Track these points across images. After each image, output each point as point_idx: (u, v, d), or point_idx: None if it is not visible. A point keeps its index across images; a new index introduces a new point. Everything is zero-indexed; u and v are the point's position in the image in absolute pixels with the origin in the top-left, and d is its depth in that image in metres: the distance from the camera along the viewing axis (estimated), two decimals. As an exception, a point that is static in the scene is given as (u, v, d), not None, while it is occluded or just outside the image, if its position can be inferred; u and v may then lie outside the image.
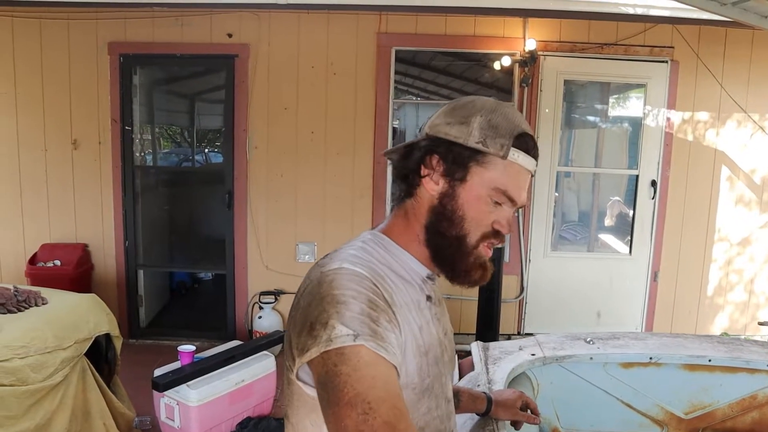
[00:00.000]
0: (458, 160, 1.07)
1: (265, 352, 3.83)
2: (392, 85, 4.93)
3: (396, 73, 4.94)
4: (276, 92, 4.84)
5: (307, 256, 5.04)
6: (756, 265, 5.22)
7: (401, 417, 0.87)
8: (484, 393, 1.53)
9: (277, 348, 4.20)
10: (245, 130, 4.86)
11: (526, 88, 4.94)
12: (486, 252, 1.11)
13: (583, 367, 2.02)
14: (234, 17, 4.68)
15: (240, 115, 4.85)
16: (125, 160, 4.89)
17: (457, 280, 1.12)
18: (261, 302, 4.96)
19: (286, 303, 5.00)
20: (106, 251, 5.01)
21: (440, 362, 1.13)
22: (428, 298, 1.13)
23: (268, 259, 5.03)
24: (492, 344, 2.02)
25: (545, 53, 4.91)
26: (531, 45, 4.79)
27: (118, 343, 3.45)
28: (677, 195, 5.07)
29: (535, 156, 1.11)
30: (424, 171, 1.09)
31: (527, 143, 1.08)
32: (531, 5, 4.29)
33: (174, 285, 6.26)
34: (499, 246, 1.12)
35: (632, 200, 5.18)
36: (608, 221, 5.77)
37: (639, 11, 4.25)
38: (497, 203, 1.08)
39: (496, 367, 1.81)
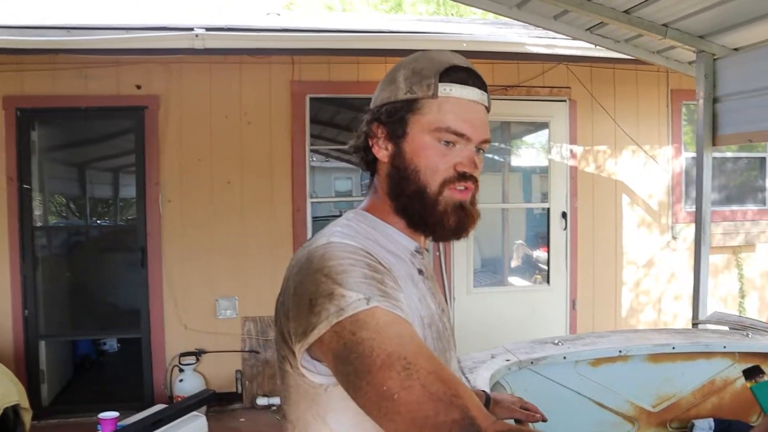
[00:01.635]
0: (394, 117, 1.05)
1: (195, 412, 3.55)
2: (308, 132, 4.93)
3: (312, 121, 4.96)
4: (189, 143, 4.70)
5: (228, 312, 4.81)
6: (661, 285, 5.54)
7: (441, 365, 0.85)
8: (483, 391, 1.48)
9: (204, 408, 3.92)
10: (157, 183, 4.65)
11: (438, 130, 5.09)
12: (458, 195, 1.04)
13: (555, 370, 2.03)
14: (142, 68, 4.54)
15: (151, 167, 4.65)
16: (23, 221, 4.51)
17: (437, 234, 1.08)
18: (181, 364, 4.64)
19: (208, 364, 4.72)
20: (2, 322, 4.54)
21: (443, 337, 1.09)
22: (420, 271, 1.09)
23: (187, 318, 4.75)
24: (462, 356, 1.99)
25: (454, 96, 5.10)
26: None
27: (27, 417, 3.10)
28: (586, 224, 5.35)
29: (477, 85, 1.05)
30: (371, 142, 1.08)
31: (459, 75, 1.03)
32: (443, 46, 4.48)
33: (78, 358, 5.74)
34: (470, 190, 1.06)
35: (546, 233, 5.39)
36: (514, 263, 5.94)
37: (541, 50, 4.54)
38: (448, 143, 1.03)
39: (475, 375, 1.77)
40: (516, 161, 5.88)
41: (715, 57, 3.70)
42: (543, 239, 5.56)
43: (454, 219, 1.04)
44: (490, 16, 6.99)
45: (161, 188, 4.66)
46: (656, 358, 2.18)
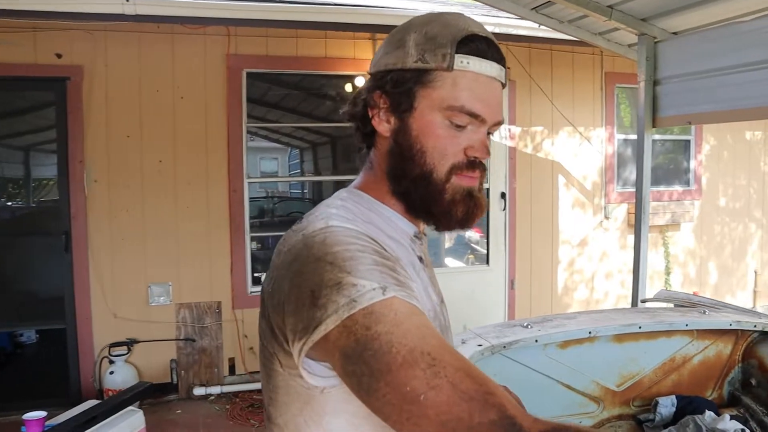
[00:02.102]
0: (400, 87, 0.91)
1: (131, 407, 3.33)
2: (245, 109, 4.71)
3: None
4: (116, 119, 4.37)
5: (162, 299, 4.55)
6: (594, 264, 5.71)
7: (467, 361, 0.75)
8: None
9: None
10: (81, 162, 4.31)
11: (379, 109, 5.00)
12: (466, 182, 0.93)
13: (525, 353, 2.00)
14: (63, 36, 4.16)
15: (75, 144, 4.29)
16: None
17: (442, 225, 0.96)
18: (111, 356, 4.36)
19: (140, 354, 4.46)
20: None
21: (445, 331, 1.01)
22: (420, 259, 0.99)
23: (117, 306, 4.46)
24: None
25: (395, 75, 5.01)
26: (382, 66, 4.86)
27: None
28: (524, 205, 5.42)
29: (496, 59, 0.92)
30: (371, 112, 0.95)
31: (478, 46, 0.90)
32: (386, 21, 4.36)
33: (-10, 353, 5.30)
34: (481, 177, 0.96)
35: (485, 214, 5.41)
36: (448, 243, 5.94)
37: (491, 29, 4.50)
38: (459, 126, 0.91)
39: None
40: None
41: (656, 40, 3.78)
42: (481, 219, 5.59)
43: (462, 209, 0.94)
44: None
45: (86, 167, 4.32)
46: (621, 338, 2.20)
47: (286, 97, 5.36)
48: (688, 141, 5.98)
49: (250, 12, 4.26)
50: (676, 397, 2.21)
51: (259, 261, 5.25)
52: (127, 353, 4.40)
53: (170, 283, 4.57)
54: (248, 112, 4.73)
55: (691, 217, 5.87)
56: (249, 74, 4.72)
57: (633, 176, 5.65)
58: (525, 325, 2.08)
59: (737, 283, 6.27)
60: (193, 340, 4.59)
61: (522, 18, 4.15)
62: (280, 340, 0.84)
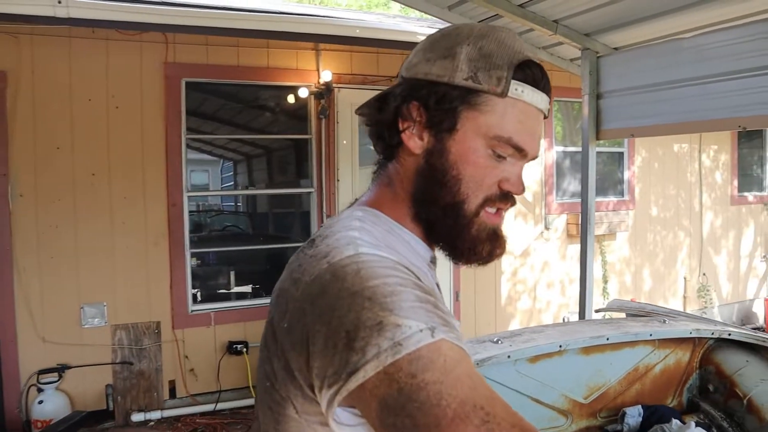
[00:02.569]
0: (444, 104, 0.83)
1: (67, 439, 3.10)
2: (184, 119, 4.52)
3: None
4: (45, 129, 4.09)
5: (96, 320, 4.28)
6: (536, 274, 5.81)
7: (518, 414, 0.68)
8: None
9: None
10: (5, 175, 4.01)
11: (324, 120, 4.92)
12: (493, 220, 0.88)
13: (496, 369, 1.96)
14: (-16, 39, 3.88)
15: (-3, 156, 3.99)
16: None
17: (464, 259, 0.90)
18: (40, 383, 4.05)
19: (73, 380, 4.17)
20: None
21: None
22: (438, 286, 0.92)
23: (46, 330, 4.15)
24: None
25: (339, 85, 4.95)
26: (327, 76, 4.80)
27: None
28: (469, 216, 5.44)
29: (547, 91, 0.86)
30: (402, 124, 0.86)
31: (534, 74, 0.84)
32: (334, 31, 4.29)
33: None
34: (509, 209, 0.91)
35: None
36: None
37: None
38: (500, 156, 0.84)
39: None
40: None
41: (598, 55, 3.89)
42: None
43: (488, 248, 0.88)
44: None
45: (10, 180, 4.02)
46: (588, 350, 2.20)
47: (222, 108, 5.19)
48: (622, 153, 6.20)
49: (190, 18, 4.10)
50: (642, 407, 2.24)
51: (199, 278, 5.04)
52: (58, 380, 4.10)
53: (105, 304, 4.31)
54: (186, 124, 4.55)
55: (626, 226, 6.07)
56: (188, 84, 4.54)
57: (572, 187, 5.80)
58: (495, 340, 2.04)
59: (669, 289, 6.53)
60: (131, 363, 4.34)
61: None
62: (299, 383, 0.74)
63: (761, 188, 7.25)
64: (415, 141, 0.86)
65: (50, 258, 4.15)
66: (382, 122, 0.89)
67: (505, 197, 0.87)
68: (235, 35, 4.34)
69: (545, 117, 0.89)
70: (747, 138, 7.08)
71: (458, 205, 0.85)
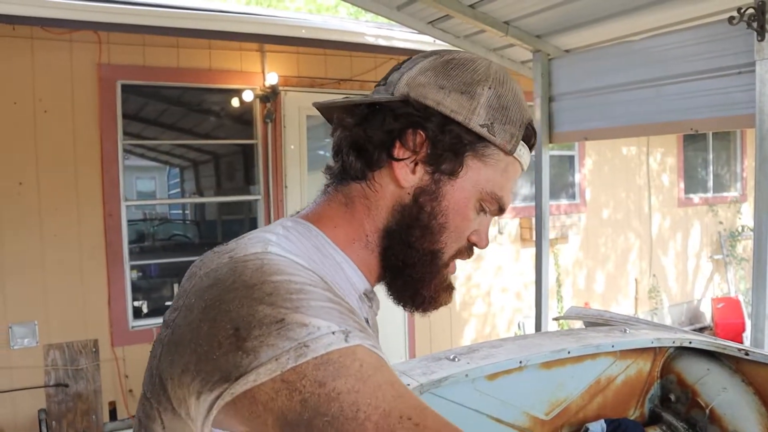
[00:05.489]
0: (453, 146, 0.75)
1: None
2: (120, 124, 4.26)
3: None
4: (-36, 135, 3.79)
5: (26, 340, 3.98)
6: (490, 278, 5.75)
7: (451, 424, 0.59)
8: None
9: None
10: None
11: (270, 124, 4.74)
12: (452, 270, 0.83)
13: (455, 389, 1.84)
14: None
15: None
16: None
17: (421, 307, 0.84)
18: (-38, 411, 3.74)
19: (1, 406, 3.86)
20: None
21: None
22: (367, 321, 0.81)
23: (-32, 353, 3.84)
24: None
25: (286, 88, 4.78)
26: (272, 79, 4.62)
27: None
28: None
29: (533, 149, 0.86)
30: (399, 151, 0.75)
31: (531, 137, 0.82)
32: (278, 31, 4.12)
33: None
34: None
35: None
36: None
37: (381, 42, 4.39)
38: (483, 211, 0.80)
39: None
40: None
41: (549, 57, 3.84)
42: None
43: (445, 298, 0.84)
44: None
45: (-74, 192, 3.71)
46: (549, 364, 2.10)
47: (165, 112, 4.94)
48: (573, 156, 6.21)
49: (123, 16, 3.85)
50: (605, 421, 2.15)
51: (141, 291, 4.77)
52: (-17, 407, 3.79)
53: (36, 322, 4.01)
54: (123, 129, 4.29)
55: (578, 229, 6.08)
56: (124, 86, 4.28)
57: (523, 191, 5.76)
58: (451, 357, 1.91)
59: (621, 291, 6.58)
60: (66, 386, 4.04)
61: (419, 32, 4.07)
62: (169, 393, 0.60)
63: (706, 190, 7.40)
64: (406, 173, 0.76)
65: (-28, 274, 3.84)
66: (370, 138, 0.76)
67: (470, 249, 0.83)
68: (175, 35, 4.13)
69: None
70: (692, 141, 7.22)
71: (436, 254, 0.78)
